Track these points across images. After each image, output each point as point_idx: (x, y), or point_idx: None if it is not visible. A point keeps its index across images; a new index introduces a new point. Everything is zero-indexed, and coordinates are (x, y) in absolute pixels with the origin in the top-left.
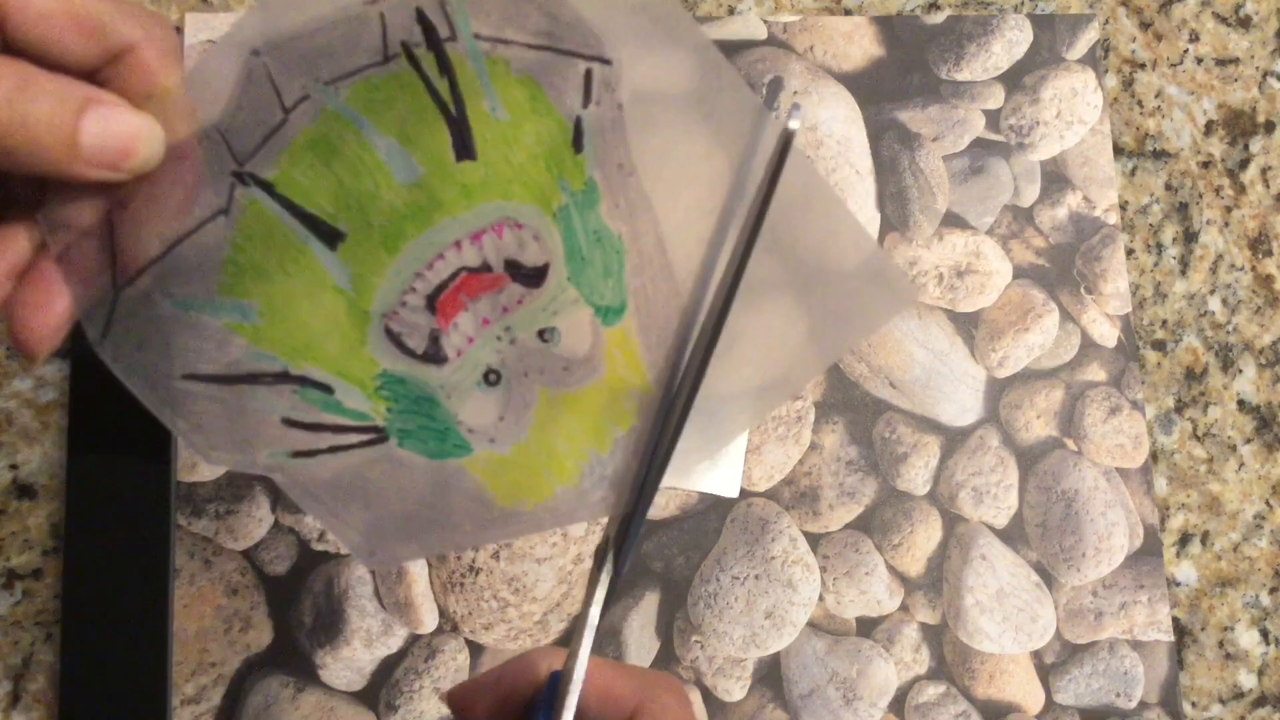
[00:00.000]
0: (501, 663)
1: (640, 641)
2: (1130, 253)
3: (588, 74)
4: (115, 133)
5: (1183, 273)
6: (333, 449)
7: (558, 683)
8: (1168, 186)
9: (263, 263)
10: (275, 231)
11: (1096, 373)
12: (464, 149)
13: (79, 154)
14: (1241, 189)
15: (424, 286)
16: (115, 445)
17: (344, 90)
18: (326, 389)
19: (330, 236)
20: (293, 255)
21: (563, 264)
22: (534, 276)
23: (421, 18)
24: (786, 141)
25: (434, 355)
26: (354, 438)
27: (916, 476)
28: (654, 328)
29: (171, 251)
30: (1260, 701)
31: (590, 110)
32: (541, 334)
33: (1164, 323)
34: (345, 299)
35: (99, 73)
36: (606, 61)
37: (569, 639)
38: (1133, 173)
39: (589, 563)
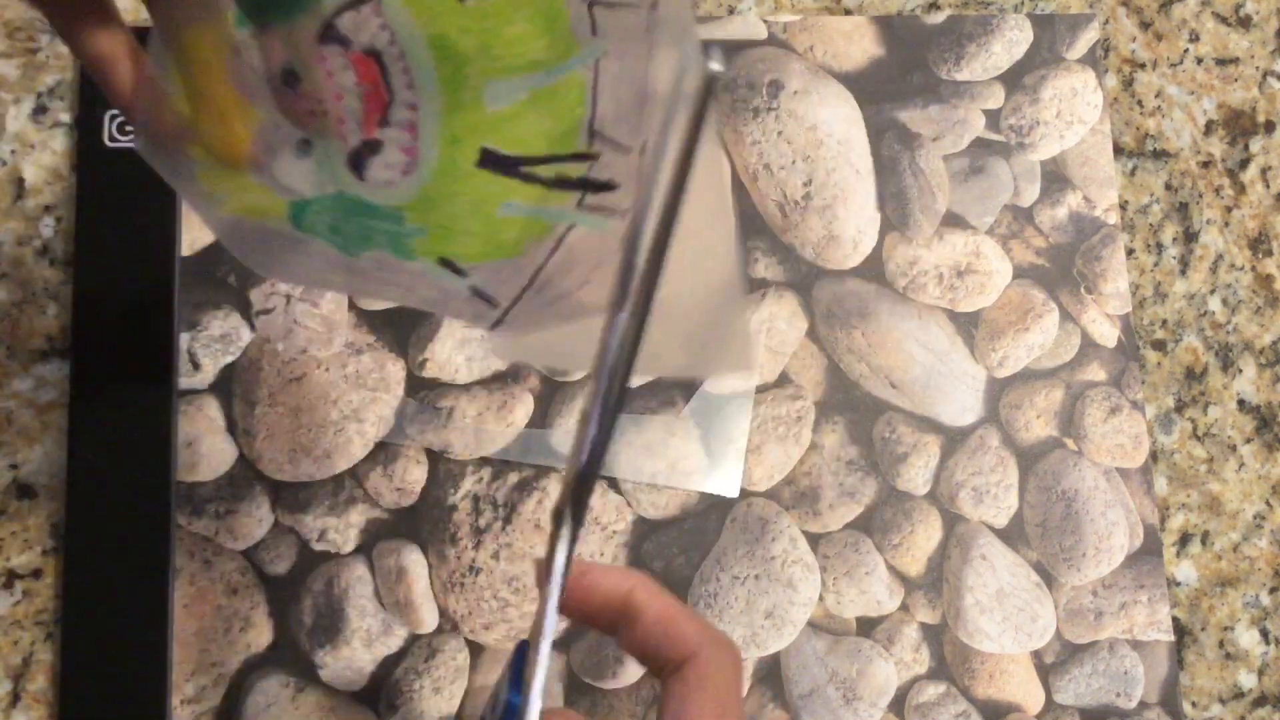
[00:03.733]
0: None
1: None
2: (1130, 253)
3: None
4: None
5: (1183, 273)
6: None
7: (525, 651)
8: (1168, 186)
9: None
10: None
11: (1096, 373)
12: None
13: None
14: (1241, 189)
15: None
16: (115, 445)
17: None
18: None
19: None
20: None
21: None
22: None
23: None
24: (709, 84)
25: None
26: None
27: (916, 476)
28: None
29: None
30: (1260, 701)
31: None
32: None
33: (1164, 322)
34: None
35: None
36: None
37: (570, 637)
38: (1133, 172)
39: None
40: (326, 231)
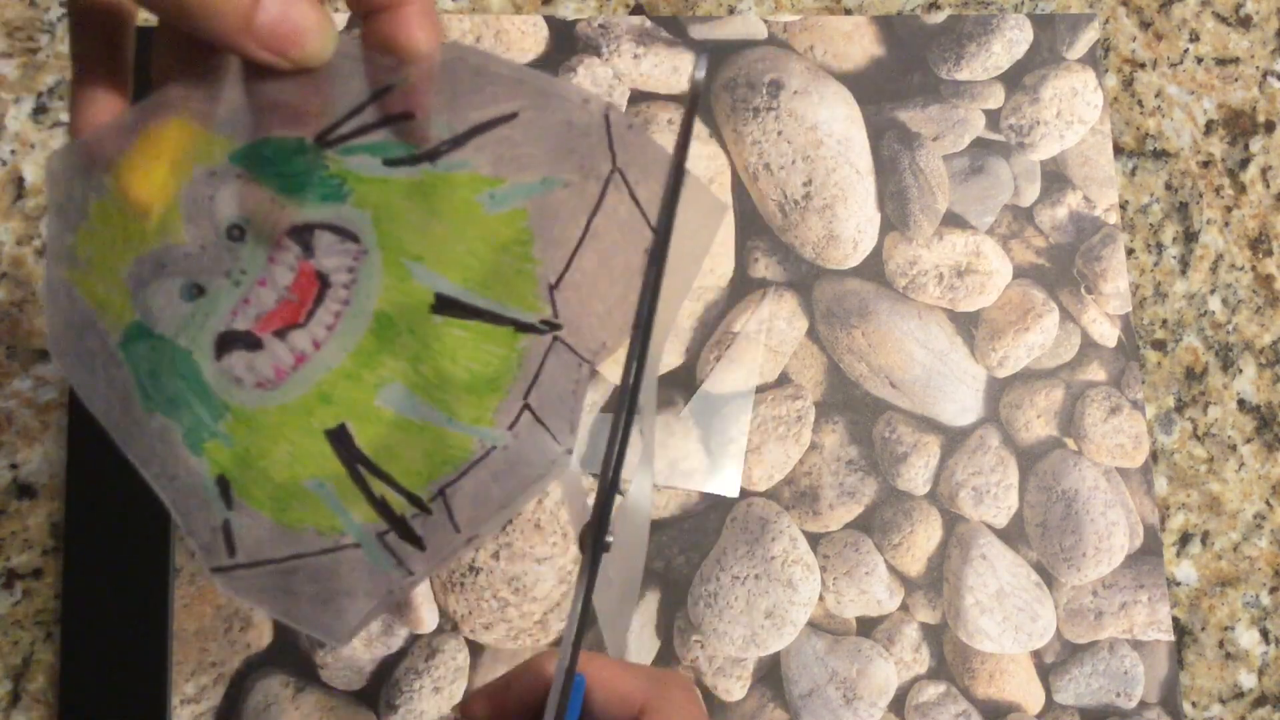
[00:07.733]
0: (512, 669)
1: (640, 641)
2: (1130, 252)
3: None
4: (292, 18)
5: (1183, 272)
6: None
7: (584, 687)
8: (1168, 186)
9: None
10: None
11: (1096, 372)
12: None
13: (251, 28)
14: (1241, 189)
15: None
16: (115, 445)
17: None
18: None
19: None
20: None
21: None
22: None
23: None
24: (695, 92)
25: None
26: None
27: (916, 476)
28: None
29: None
30: (1260, 701)
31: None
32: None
33: (1164, 322)
34: None
35: None
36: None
37: None
38: (1133, 172)
39: None
40: (144, 370)
